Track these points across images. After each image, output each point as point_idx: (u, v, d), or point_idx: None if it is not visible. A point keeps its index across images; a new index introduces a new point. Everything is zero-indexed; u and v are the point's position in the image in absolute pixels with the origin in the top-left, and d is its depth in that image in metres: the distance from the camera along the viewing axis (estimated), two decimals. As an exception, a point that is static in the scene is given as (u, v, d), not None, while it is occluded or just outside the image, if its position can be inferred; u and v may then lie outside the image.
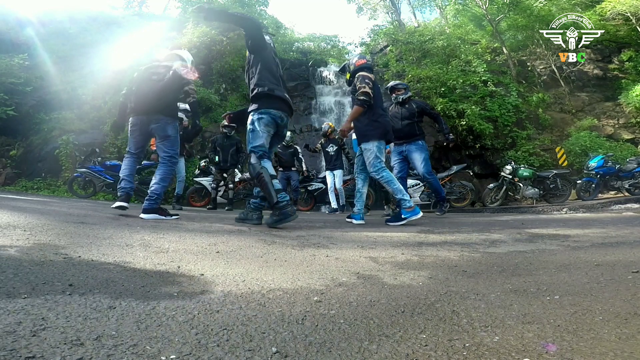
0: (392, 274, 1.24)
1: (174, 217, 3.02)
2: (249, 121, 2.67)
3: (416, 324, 0.77)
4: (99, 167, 6.58)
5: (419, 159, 4.49)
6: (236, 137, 6.41)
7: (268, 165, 2.58)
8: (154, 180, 3.07)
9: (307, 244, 1.87)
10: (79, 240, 1.55)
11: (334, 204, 6.63)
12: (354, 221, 3.41)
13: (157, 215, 2.93)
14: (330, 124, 6.80)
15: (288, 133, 6.66)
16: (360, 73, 3.36)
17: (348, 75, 3.58)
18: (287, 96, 2.71)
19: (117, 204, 2.90)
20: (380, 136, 3.31)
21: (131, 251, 1.42)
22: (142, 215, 2.87)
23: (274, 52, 2.90)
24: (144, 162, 6.44)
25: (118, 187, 3.02)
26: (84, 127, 9.01)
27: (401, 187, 3.30)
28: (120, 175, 3.06)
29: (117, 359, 0.56)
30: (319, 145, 6.76)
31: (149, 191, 3.02)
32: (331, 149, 6.50)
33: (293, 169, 6.69)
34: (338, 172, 6.51)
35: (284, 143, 6.48)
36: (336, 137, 6.56)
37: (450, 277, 1.22)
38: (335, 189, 6.61)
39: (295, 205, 6.43)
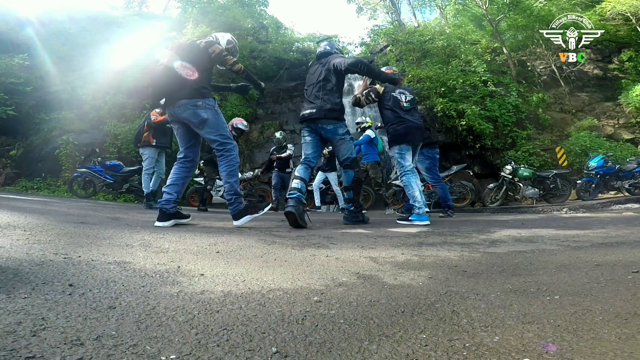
0: (392, 274, 1.24)
1: (266, 209, 2.80)
2: None
3: (416, 324, 0.77)
4: (99, 167, 6.58)
5: (421, 167, 4.65)
6: None
7: (298, 168, 3.12)
8: (222, 179, 2.65)
9: (307, 244, 1.87)
10: (79, 240, 1.55)
11: (317, 202, 6.72)
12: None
13: (249, 215, 2.61)
14: None
15: (276, 134, 6.88)
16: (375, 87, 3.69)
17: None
18: (309, 110, 3.12)
19: (158, 223, 2.44)
20: (397, 141, 3.53)
21: (131, 251, 1.42)
22: (235, 223, 2.59)
23: (320, 62, 3.34)
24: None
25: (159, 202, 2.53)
26: (84, 127, 8.99)
27: (417, 195, 3.37)
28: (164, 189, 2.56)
29: (117, 359, 0.56)
30: (326, 152, 6.74)
31: (224, 195, 2.65)
32: (325, 150, 6.52)
33: (288, 170, 6.51)
34: (332, 175, 6.57)
35: (277, 144, 6.71)
36: None
37: (450, 277, 1.21)
38: (332, 189, 6.71)
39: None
